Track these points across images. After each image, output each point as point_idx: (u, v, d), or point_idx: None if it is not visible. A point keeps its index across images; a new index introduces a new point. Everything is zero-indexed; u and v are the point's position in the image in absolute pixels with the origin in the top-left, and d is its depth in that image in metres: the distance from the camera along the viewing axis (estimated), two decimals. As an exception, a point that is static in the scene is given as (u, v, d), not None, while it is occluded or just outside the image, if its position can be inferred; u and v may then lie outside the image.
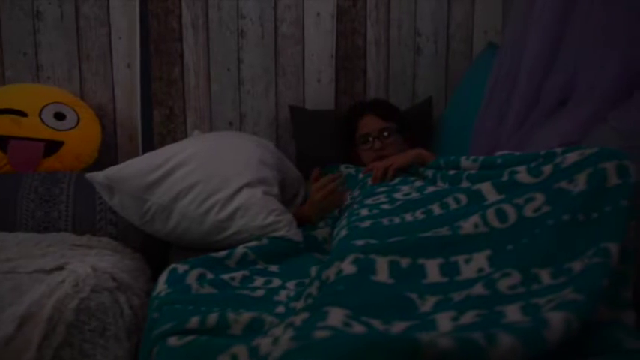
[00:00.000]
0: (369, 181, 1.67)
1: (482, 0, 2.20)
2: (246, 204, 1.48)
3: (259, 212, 1.48)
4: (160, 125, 2.05)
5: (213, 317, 1.02)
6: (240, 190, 1.50)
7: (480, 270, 1.02)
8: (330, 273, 1.05)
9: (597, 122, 1.33)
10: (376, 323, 0.89)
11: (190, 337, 0.97)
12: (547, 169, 1.15)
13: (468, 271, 1.03)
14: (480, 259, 1.04)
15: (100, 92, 2.01)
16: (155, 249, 1.63)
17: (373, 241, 1.13)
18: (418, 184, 1.50)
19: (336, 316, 0.88)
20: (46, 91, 1.89)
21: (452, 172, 1.43)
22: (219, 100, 2.08)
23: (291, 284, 1.28)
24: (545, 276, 0.95)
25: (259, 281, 1.30)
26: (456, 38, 2.22)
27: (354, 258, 1.04)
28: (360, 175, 1.79)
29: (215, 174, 1.51)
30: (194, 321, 1.02)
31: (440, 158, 1.55)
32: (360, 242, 1.13)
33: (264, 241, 1.45)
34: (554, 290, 0.90)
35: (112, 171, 1.48)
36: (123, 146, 2.04)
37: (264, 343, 0.86)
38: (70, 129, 1.81)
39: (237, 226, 1.47)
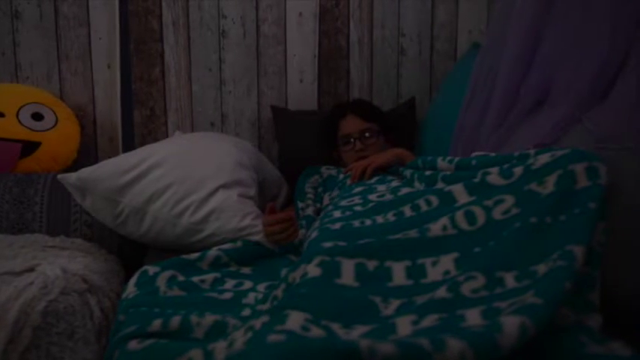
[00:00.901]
0: (348, 181, 1.66)
1: (467, 0, 2.19)
2: (221, 206, 1.47)
3: (234, 215, 1.46)
4: (141, 126, 2.04)
5: (175, 320, 1.01)
6: (215, 191, 1.48)
7: (446, 273, 1.01)
8: (296, 275, 1.04)
9: (573, 123, 1.31)
10: (336, 327, 0.88)
11: (150, 341, 0.96)
12: (518, 170, 1.14)
13: (433, 274, 1.02)
14: (447, 262, 1.03)
15: (79, 92, 1.99)
16: (131, 251, 1.62)
17: (342, 243, 1.11)
18: (394, 184, 1.49)
19: (295, 319, 0.86)
20: (25, 91, 1.87)
21: (428, 173, 1.42)
22: (201, 100, 2.07)
23: (261, 287, 1.26)
24: (509, 279, 0.94)
25: (230, 284, 1.29)
26: (440, 38, 2.21)
27: (320, 260, 1.03)
28: (341, 176, 1.78)
29: (190, 175, 1.49)
30: (156, 324, 1.00)
31: (418, 158, 1.54)
32: (328, 244, 1.12)
33: (239, 243, 1.44)
34: (517, 294, 0.88)
35: (84, 172, 1.47)
36: (103, 147, 2.03)
37: (219, 347, 0.85)
38: (48, 129, 1.79)
39: (212, 229, 1.46)
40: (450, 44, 2.22)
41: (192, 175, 1.50)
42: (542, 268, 0.92)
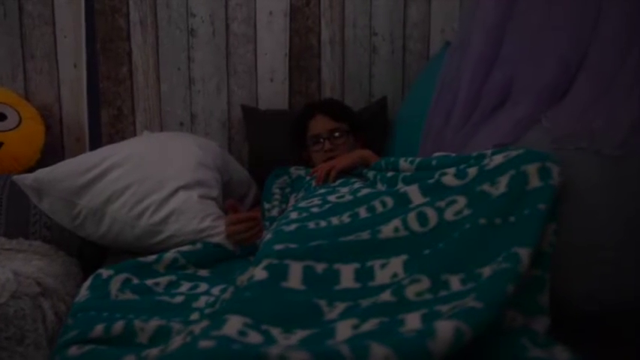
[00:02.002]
0: (313, 183, 1.65)
1: (439, -1, 2.18)
2: (180, 207, 1.45)
3: (194, 216, 1.44)
4: (109, 125, 2.02)
5: (119, 326, 0.99)
6: (175, 192, 1.46)
7: (394, 275, 1.00)
8: (244, 279, 1.02)
9: (533, 122, 1.30)
10: (276, 332, 0.86)
11: (89, 347, 0.94)
12: (472, 171, 1.13)
13: (382, 277, 1.00)
14: (396, 265, 1.02)
15: (45, 92, 1.96)
16: (92, 253, 1.59)
17: (293, 246, 1.09)
18: (357, 185, 1.48)
19: (233, 324, 0.85)
20: (-12, 90, 1.85)
21: (390, 174, 1.41)
22: (170, 99, 2.05)
23: (216, 290, 1.24)
24: (454, 282, 0.93)
25: (185, 287, 1.27)
26: (412, 37, 2.19)
27: (268, 264, 1.02)
28: (307, 177, 1.76)
29: (150, 176, 1.47)
30: (98, 329, 0.98)
31: (381, 160, 1.53)
32: (279, 246, 1.10)
33: (198, 245, 1.42)
34: (460, 297, 0.87)
35: (41, 173, 1.44)
36: (70, 147, 2.00)
37: (152, 353, 0.83)
38: (10, 130, 1.77)
39: (171, 230, 1.44)
40: (423, 43, 2.20)
41: (153, 175, 1.48)
42: (487, 271, 0.91)
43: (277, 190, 1.79)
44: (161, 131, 2.04)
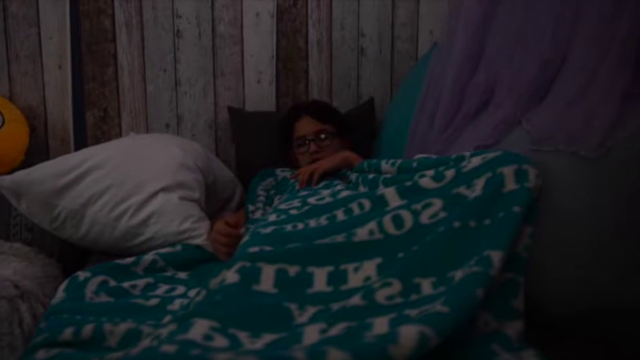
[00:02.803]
0: (297, 186, 1.64)
1: (428, 0, 2.17)
2: (160, 209, 1.44)
3: (174, 218, 1.43)
4: (94, 127, 2.00)
5: (88, 329, 0.98)
6: (155, 194, 1.45)
7: (367, 279, 0.99)
8: (216, 282, 1.01)
9: (514, 124, 1.29)
10: (243, 336, 0.85)
11: (55, 351, 0.92)
12: (450, 173, 1.12)
13: (354, 280, 0.99)
14: (370, 268, 1.01)
15: (30, 93, 1.95)
16: (73, 255, 1.58)
17: (268, 248, 1.08)
18: (339, 188, 1.47)
19: (199, 328, 0.84)
20: (-29, 92, 1.84)
21: (371, 176, 1.40)
22: (156, 101, 2.04)
23: (193, 292, 1.23)
24: (426, 286, 0.92)
25: (162, 289, 1.26)
26: (401, 38, 2.18)
27: (240, 266, 1.00)
28: (291, 180, 1.75)
29: (130, 178, 1.46)
30: (68, 333, 0.97)
31: (364, 162, 1.53)
32: (254, 249, 1.09)
33: (178, 247, 1.41)
34: (430, 301, 0.86)
35: (19, 175, 1.43)
36: (55, 149, 1.99)
37: (114, 357, 0.82)
38: (-6, 131, 1.76)
39: (151, 232, 1.43)
40: (411, 44, 2.20)
41: (133, 177, 1.47)
42: (459, 274, 0.90)
43: (262, 192, 1.78)
44: (147, 133, 2.03)
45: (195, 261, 1.40)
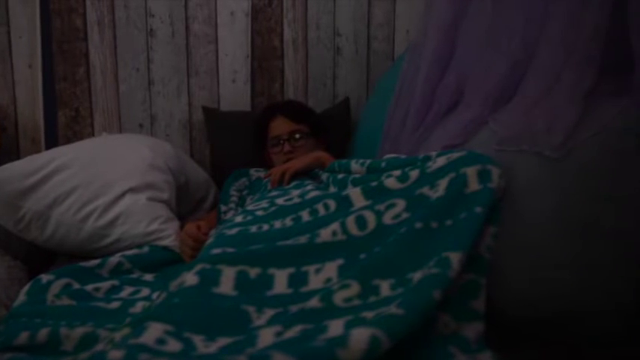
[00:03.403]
0: (269, 186, 1.63)
1: (404, -1, 2.17)
2: (127, 210, 1.42)
3: (142, 219, 1.41)
4: (66, 127, 1.98)
5: (43, 333, 0.96)
6: (122, 195, 1.43)
7: (328, 280, 0.98)
8: (175, 284, 1.00)
9: (482, 124, 1.29)
10: (198, 339, 0.84)
11: (8, 355, 0.91)
12: (414, 173, 1.11)
13: (315, 282, 0.98)
14: (331, 269, 1.00)
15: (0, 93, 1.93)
16: (41, 257, 1.55)
17: (230, 250, 1.07)
18: (309, 188, 1.45)
19: (153, 332, 0.82)
20: (-61, 91, 1.80)
21: (340, 176, 1.39)
22: (129, 101, 2.01)
23: (157, 294, 1.21)
24: (385, 287, 0.91)
25: (127, 292, 1.24)
26: (377, 38, 2.17)
27: (200, 269, 0.99)
28: (264, 179, 1.74)
29: (97, 178, 1.44)
30: (23, 337, 0.96)
31: (335, 162, 1.51)
32: (216, 251, 1.07)
33: (145, 249, 1.39)
34: (388, 303, 0.85)
35: (-18, 176, 1.41)
36: (25, 149, 1.96)
37: (64, 363, 0.80)
38: (-39, 131, 1.73)
39: (118, 234, 1.41)
40: (388, 44, 2.19)
41: (100, 178, 1.45)
42: (417, 276, 0.89)
43: (235, 193, 1.76)
44: (120, 133, 2.01)
45: (163, 262, 1.39)
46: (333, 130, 2.02)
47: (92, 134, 1.99)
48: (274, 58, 2.10)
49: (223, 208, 1.70)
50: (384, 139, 1.75)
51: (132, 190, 1.44)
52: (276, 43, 2.09)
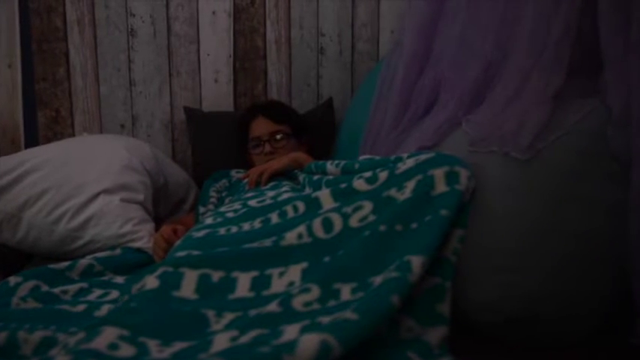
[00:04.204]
0: (247, 187, 1.61)
1: (388, -1, 2.15)
2: (100, 212, 1.40)
3: (114, 221, 1.40)
4: (46, 128, 1.96)
5: (2, 336, 0.94)
6: (96, 197, 1.42)
7: (291, 284, 0.97)
8: (137, 287, 0.99)
9: (456, 125, 1.27)
10: (153, 344, 0.83)
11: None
12: (383, 175, 1.10)
13: (278, 286, 0.97)
14: (295, 273, 0.99)
15: (-22, 93, 1.91)
16: (15, 259, 1.54)
17: (195, 253, 1.06)
18: (284, 189, 1.44)
19: (106, 336, 0.81)
20: None
21: (316, 178, 1.38)
22: (110, 101, 2.00)
23: (127, 297, 1.20)
24: (345, 292, 0.89)
25: (95, 294, 1.22)
26: (362, 38, 2.16)
27: (162, 272, 0.98)
28: (243, 181, 1.73)
29: (69, 180, 1.43)
30: (-20, 341, 0.94)
31: (311, 163, 1.50)
32: (181, 253, 1.06)
33: (117, 251, 1.38)
34: (346, 307, 0.84)
35: (-48, 178, 1.40)
36: (5, 150, 1.94)
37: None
38: (-63, 132, 1.71)
39: (90, 235, 1.40)
40: (372, 44, 2.17)
41: (73, 179, 1.44)
42: (378, 280, 0.88)
43: (214, 194, 1.75)
44: (101, 133, 1.99)
45: (136, 264, 1.37)
46: (316, 131, 2.00)
47: (73, 135, 1.98)
48: (257, 58, 2.08)
49: (202, 209, 1.69)
50: (365, 140, 1.74)
51: (105, 191, 1.43)
52: (259, 43, 2.08)
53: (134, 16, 1.97)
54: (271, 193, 1.42)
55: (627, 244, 0.91)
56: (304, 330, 0.79)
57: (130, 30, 1.98)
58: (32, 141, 1.94)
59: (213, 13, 2.02)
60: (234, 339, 0.81)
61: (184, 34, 2.02)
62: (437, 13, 1.45)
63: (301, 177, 1.49)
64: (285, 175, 1.62)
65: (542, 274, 0.94)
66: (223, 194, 1.76)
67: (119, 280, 1.31)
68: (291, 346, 0.69)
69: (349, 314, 0.76)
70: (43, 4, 1.90)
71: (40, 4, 1.89)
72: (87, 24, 1.94)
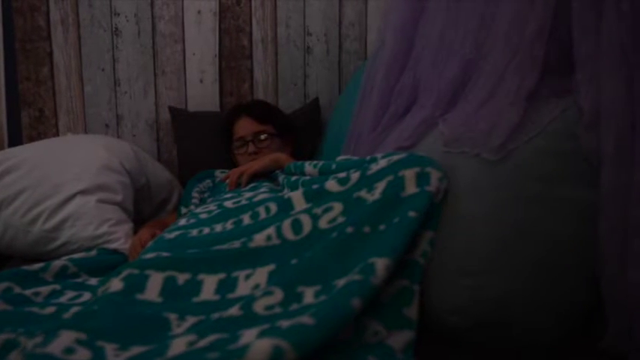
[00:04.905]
0: (227, 188, 1.60)
1: (376, -2, 2.14)
2: (76, 213, 1.39)
3: (91, 222, 1.39)
4: (29, 128, 1.96)
5: (-38, 340, 0.93)
6: (72, 197, 1.41)
7: (256, 287, 0.95)
8: (102, 290, 0.97)
9: (432, 126, 1.26)
10: (110, 348, 0.81)
11: None
12: (355, 176, 1.08)
13: (243, 288, 0.95)
14: (262, 275, 0.97)
15: (-39, 93, 1.90)
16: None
17: (165, 254, 1.04)
18: (262, 190, 1.43)
19: (62, 340, 0.80)
20: None
21: (294, 179, 1.36)
22: (94, 101, 1.99)
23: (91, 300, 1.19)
24: (309, 295, 0.88)
25: (67, 296, 1.21)
26: (349, 37, 2.14)
27: (127, 274, 0.96)
28: (225, 181, 1.71)
29: (46, 180, 1.42)
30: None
31: (291, 164, 1.49)
32: (150, 255, 1.05)
33: (93, 252, 1.37)
34: (308, 311, 0.82)
35: None
36: (-12, 150, 1.94)
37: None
38: None
39: (66, 237, 1.38)
40: (360, 43, 2.16)
41: (49, 180, 1.42)
42: (342, 283, 0.86)
43: (196, 195, 1.74)
44: (85, 133, 1.98)
45: (111, 266, 1.35)
46: (303, 131, 1.99)
47: (57, 134, 1.97)
48: (243, 57, 2.07)
49: (183, 210, 1.68)
50: (349, 140, 1.72)
51: (82, 192, 1.42)
52: (244, 42, 2.06)
53: (118, 15, 1.96)
54: (248, 195, 1.41)
55: (597, 247, 0.89)
56: (262, 334, 0.78)
57: (114, 29, 1.97)
58: (16, 141, 1.93)
59: (199, 12, 2.01)
60: (191, 343, 0.80)
61: (169, 34, 2.01)
62: (418, 13, 1.43)
63: (281, 178, 1.48)
64: (266, 176, 1.61)
65: (512, 277, 0.93)
66: (206, 195, 1.75)
67: (93, 282, 1.30)
68: (241, 351, 0.67)
69: (306, 319, 0.75)
70: (26, 4, 1.89)
71: (23, 4, 1.89)
72: (71, 23, 1.93)
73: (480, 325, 0.94)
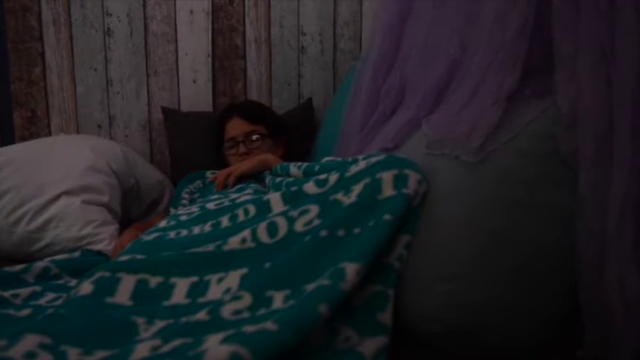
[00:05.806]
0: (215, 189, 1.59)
1: (371, -2, 2.12)
2: (60, 214, 1.39)
3: (75, 223, 1.38)
4: (22, 128, 1.95)
5: None
6: (57, 198, 1.40)
7: (227, 291, 0.93)
8: (72, 292, 0.96)
9: (417, 127, 1.24)
10: (74, 352, 0.80)
11: None
12: (333, 178, 1.07)
13: (214, 292, 0.94)
14: (234, 279, 0.95)
15: (-47, 93, 1.91)
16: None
17: (140, 257, 1.03)
18: (247, 191, 1.41)
19: (25, 344, 0.79)
20: None
21: (278, 180, 1.35)
22: (86, 101, 1.98)
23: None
24: (278, 299, 0.86)
25: (47, 298, 1.20)
26: (344, 37, 2.13)
27: (98, 277, 0.95)
28: (214, 182, 1.70)
29: (30, 181, 1.41)
30: None
31: (277, 165, 1.47)
32: (124, 258, 1.04)
33: (76, 253, 1.36)
34: (273, 316, 0.80)
35: None
36: (-20, 150, 1.94)
37: None
38: None
39: (50, 238, 1.38)
40: (355, 43, 2.14)
41: (34, 180, 1.42)
42: (311, 287, 0.84)
43: (186, 196, 1.73)
44: (78, 134, 1.98)
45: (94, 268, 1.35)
46: (297, 131, 1.97)
47: (49, 135, 1.97)
48: (236, 57, 2.06)
49: (172, 211, 1.67)
50: (340, 141, 1.70)
51: (66, 192, 1.41)
52: (238, 42, 2.05)
53: (110, 15, 1.95)
54: (233, 196, 1.40)
55: (575, 252, 0.87)
56: (226, 340, 0.76)
57: (106, 29, 1.96)
58: (8, 142, 1.93)
59: (191, 11, 2.00)
60: (155, 348, 0.78)
61: (162, 34, 2.00)
62: (405, 13, 1.42)
63: (267, 179, 1.46)
64: (255, 177, 1.60)
65: (489, 283, 0.90)
66: (196, 195, 1.73)
67: (74, 283, 1.29)
68: (198, 357, 0.66)
69: (269, 324, 0.73)
70: (18, 4, 1.89)
71: (15, 4, 1.88)
72: (63, 23, 1.93)
73: (454, 332, 0.91)
